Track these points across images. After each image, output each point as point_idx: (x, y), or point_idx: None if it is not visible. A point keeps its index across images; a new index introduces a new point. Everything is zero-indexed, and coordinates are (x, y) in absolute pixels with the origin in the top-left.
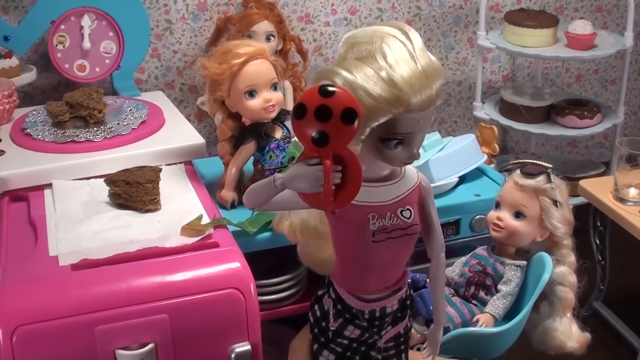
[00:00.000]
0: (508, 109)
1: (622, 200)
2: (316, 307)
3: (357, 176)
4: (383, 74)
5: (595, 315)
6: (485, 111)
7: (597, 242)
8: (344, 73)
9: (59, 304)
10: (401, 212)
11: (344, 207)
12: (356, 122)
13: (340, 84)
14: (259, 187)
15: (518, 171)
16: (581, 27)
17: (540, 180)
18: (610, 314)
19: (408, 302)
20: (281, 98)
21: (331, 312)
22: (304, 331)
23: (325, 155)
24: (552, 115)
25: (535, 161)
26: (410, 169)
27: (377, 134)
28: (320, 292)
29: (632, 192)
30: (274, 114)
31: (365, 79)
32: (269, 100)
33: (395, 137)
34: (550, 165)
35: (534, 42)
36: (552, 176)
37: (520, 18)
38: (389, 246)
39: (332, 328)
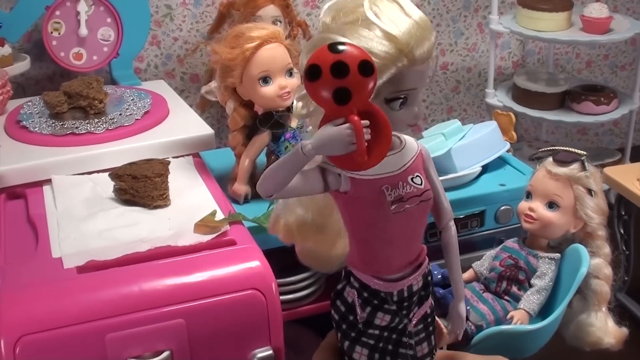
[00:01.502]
0: (521, 96)
1: None
2: (338, 302)
3: (386, 128)
4: (378, 32)
5: (619, 306)
6: (498, 98)
7: (622, 231)
8: (340, 38)
9: (65, 311)
10: (412, 179)
11: (378, 163)
12: (374, 74)
13: None
14: (282, 162)
15: (550, 159)
16: (597, 10)
17: (574, 168)
18: (636, 306)
19: (429, 278)
20: (297, 84)
21: (357, 303)
22: (324, 344)
23: (350, 112)
24: (566, 101)
25: (568, 148)
26: (408, 137)
27: (382, 95)
28: (339, 287)
29: None
30: (289, 102)
31: (364, 40)
32: (284, 86)
33: (400, 94)
34: (584, 152)
35: (549, 26)
36: (586, 164)
37: (534, 1)
38: (408, 216)
39: (360, 320)
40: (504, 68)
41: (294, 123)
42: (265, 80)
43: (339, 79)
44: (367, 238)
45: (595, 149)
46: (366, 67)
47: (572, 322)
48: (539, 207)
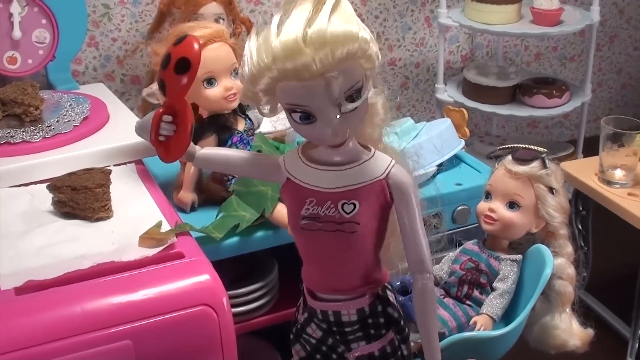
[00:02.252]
0: (472, 90)
1: (608, 182)
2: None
3: (184, 130)
4: (265, 35)
5: (579, 304)
6: (448, 93)
7: (580, 227)
8: (252, 36)
9: (3, 336)
10: (343, 204)
11: (175, 160)
12: (188, 74)
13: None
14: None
15: (509, 157)
16: (547, 1)
17: (534, 167)
18: (596, 302)
19: (382, 320)
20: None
21: (299, 305)
22: None
23: (163, 104)
24: (518, 95)
25: (527, 146)
26: (382, 159)
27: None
28: None
29: (618, 173)
30: (235, 104)
31: (254, 40)
32: (229, 88)
33: (295, 108)
34: (544, 150)
35: (499, 18)
36: (547, 161)
37: None
38: (321, 239)
39: (298, 322)
40: (453, 62)
41: (240, 126)
42: (210, 81)
43: (162, 70)
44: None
45: (547, 143)
46: (181, 65)
47: (536, 325)
48: (499, 208)
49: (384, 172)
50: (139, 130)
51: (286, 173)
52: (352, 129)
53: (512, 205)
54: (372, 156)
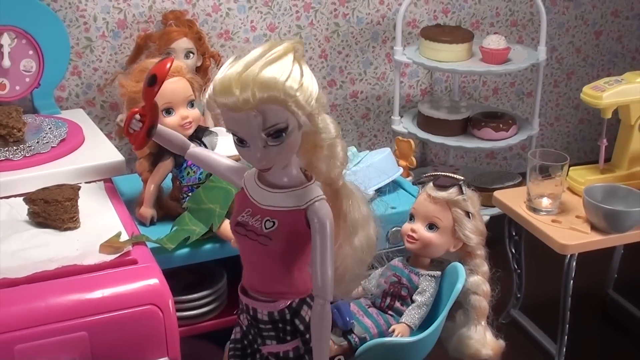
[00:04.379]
0: (426, 122)
1: (534, 210)
2: None
3: (145, 127)
4: (220, 70)
5: (512, 322)
6: (403, 125)
7: (513, 251)
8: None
9: None
10: (266, 220)
11: (141, 148)
12: (154, 86)
13: None
14: None
15: (431, 184)
16: (495, 41)
17: (452, 192)
18: (527, 321)
19: (288, 328)
20: (198, 115)
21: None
22: None
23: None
24: (468, 127)
25: (447, 173)
26: (312, 192)
27: None
28: None
29: (545, 202)
30: (190, 131)
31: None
32: (185, 117)
33: (229, 130)
34: (462, 178)
35: (450, 56)
36: (464, 188)
37: (435, 33)
38: (245, 244)
39: (240, 306)
40: (413, 96)
41: None
42: (168, 111)
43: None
44: None
45: (497, 173)
46: (149, 79)
47: (455, 336)
48: (420, 228)
49: (305, 203)
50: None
51: (242, 183)
52: (278, 159)
53: (432, 226)
54: (305, 187)
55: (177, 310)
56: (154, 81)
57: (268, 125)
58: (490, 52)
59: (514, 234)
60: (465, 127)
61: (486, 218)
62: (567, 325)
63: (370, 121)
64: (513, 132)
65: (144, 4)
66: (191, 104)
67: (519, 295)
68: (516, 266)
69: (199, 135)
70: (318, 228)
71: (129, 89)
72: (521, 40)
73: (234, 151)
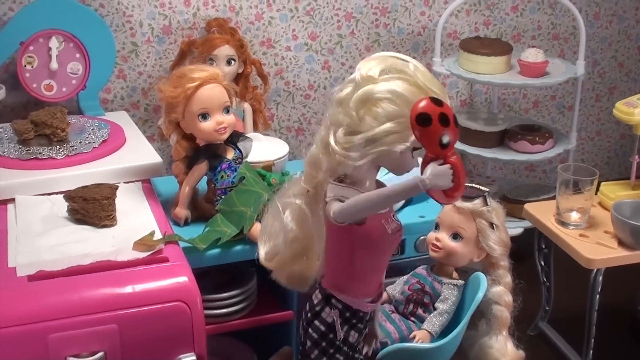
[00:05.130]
0: (463, 133)
1: (563, 223)
2: (317, 322)
3: (463, 171)
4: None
5: (540, 335)
6: None
7: (542, 263)
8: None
9: (14, 312)
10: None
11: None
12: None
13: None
14: (393, 194)
15: None
16: (533, 55)
17: (477, 204)
18: (555, 334)
19: None
20: (233, 120)
21: (338, 322)
22: (281, 353)
23: (450, 155)
24: (505, 140)
25: (473, 184)
26: None
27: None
28: (315, 309)
29: (574, 216)
30: (225, 136)
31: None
32: (221, 122)
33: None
34: (487, 189)
35: (488, 69)
36: (488, 199)
37: (474, 46)
38: (394, 246)
39: (340, 337)
40: (452, 107)
41: (230, 155)
42: (204, 116)
43: (444, 127)
44: (364, 267)
45: (534, 186)
46: (455, 120)
47: (476, 344)
48: (444, 238)
49: None
50: (434, 183)
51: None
52: None
53: (456, 236)
54: None
55: (207, 308)
56: (428, 121)
57: None
58: (528, 65)
59: (543, 247)
60: (502, 139)
61: (519, 230)
62: (593, 340)
63: None
64: (550, 145)
65: (188, 11)
66: (227, 109)
67: (547, 308)
68: (545, 279)
69: (234, 140)
70: None
71: (166, 94)
72: (562, 54)
73: (267, 157)
